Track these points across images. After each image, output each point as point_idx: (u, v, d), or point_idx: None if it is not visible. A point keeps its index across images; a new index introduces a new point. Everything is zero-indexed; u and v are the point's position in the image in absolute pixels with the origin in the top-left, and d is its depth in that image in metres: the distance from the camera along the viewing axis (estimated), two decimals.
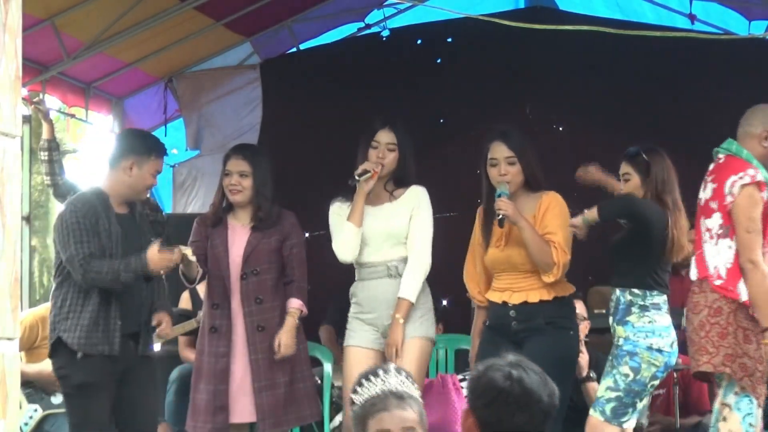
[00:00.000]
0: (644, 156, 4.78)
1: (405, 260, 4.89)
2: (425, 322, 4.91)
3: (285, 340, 5.02)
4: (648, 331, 4.64)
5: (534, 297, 4.72)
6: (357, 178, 4.83)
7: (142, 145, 4.94)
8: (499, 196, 4.67)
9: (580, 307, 5.52)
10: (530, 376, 2.79)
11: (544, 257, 4.65)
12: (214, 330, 5.07)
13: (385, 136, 4.93)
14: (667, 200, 4.73)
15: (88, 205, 4.81)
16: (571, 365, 4.77)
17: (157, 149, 4.99)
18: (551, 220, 4.73)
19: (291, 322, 5.06)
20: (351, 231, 4.87)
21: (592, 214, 4.63)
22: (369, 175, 4.83)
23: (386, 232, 4.90)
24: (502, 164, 4.75)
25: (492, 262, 4.83)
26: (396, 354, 4.76)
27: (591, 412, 4.71)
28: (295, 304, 5.09)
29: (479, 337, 4.93)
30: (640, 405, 4.68)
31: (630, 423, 4.68)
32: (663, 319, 4.69)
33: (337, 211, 5.01)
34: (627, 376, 4.62)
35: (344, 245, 4.90)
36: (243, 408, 5.03)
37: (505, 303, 4.77)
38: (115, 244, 4.78)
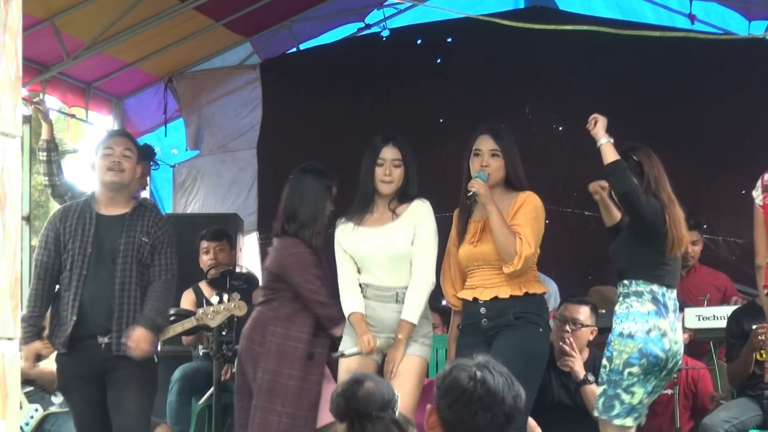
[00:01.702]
0: (634, 158, 4.76)
1: None
2: (425, 346, 4.90)
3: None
4: (622, 316, 4.63)
5: (504, 293, 4.74)
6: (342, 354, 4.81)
7: (96, 144, 5.14)
8: (476, 177, 4.72)
9: (584, 314, 5.48)
10: (495, 377, 2.77)
11: (507, 245, 4.66)
12: (311, 357, 4.92)
13: (390, 153, 4.90)
14: (662, 197, 4.72)
15: (65, 209, 5.00)
16: (538, 360, 4.73)
17: (106, 136, 5.17)
18: (523, 215, 4.76)
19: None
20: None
21: (609, 153, 4.61)
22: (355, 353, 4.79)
23: (387, 254, 4.83)
24: (486, 155, 4.80)
25: (466, 258, 4.85)
26: (392, 372, 4.75)
27: (595, 413, 4.72)
28: None
29: (455, 342, 4.97)
30: (629, 398, 4.58)
31: (626, 421, 4.60)
32: (642, 306, 4.63)
33: (341, 234, 4.97)
34: (605, 367, 4.63)
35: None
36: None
37: (476, 300, 4.79)
38: (81, 245, 4.85)
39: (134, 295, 4.85)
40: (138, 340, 4.77)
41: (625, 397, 4.58)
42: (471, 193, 4.70)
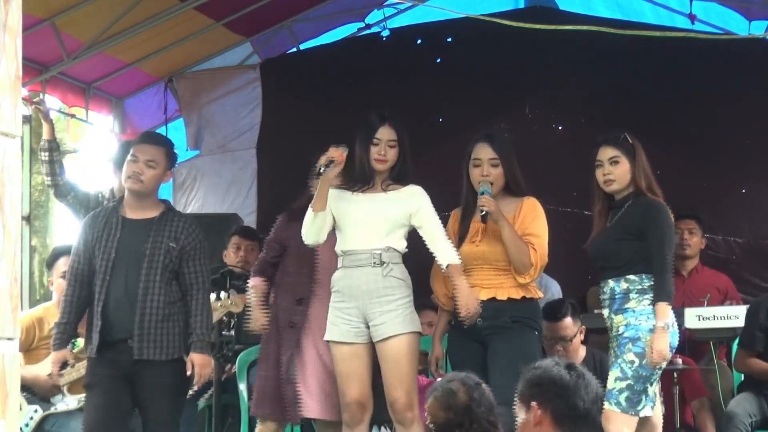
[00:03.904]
0: (629, 140, 4.79)
1: (389, 250, 4.78)
2: (410, 316, 4.82)
3: None
4: (648, 313, 4.60)
5: (503, 295, 4.77)
6: (322, 169, 4.72)
7: (119, 153, 5.13)
8: (482, 194, 4.74)
9: (568, 327, 5.49)
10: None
11: (522, 257, 4.72)
12: (293, 325, 5.00)
13: (386, 133, 4.87)
14: (653, 185, 4.74)
15: (94, 214, 4.98)
16: (532, 362, 4.74)
17: (137, 140, 5.10)
18: (531, 223, 4.81)
19: None
20: (309, 216, 4.78)
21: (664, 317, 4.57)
22: (335, 163, 4.73)
23: (383, 217, 4.78)
24: (486, 165, 4.82)
25: (466, 257, 4.84)
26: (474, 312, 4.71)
27: (605, 405, 4.65)
28: None
29: (440, 341, 4.98)
30: (651, 390, 4.61)
31: (646, 411, 4.60)
32: None
33: (330, 195, 4.94)
34: (633, 362, 4.58)
35: (305, 229, 4.84)
36: (309, 405, 4.96)
37: None
38: (105, 250, 4.83)
39: (157, 299, 4.80)
40: (200, 366, 4.81)
41: (650, 390, 4.61)
42: (484, 212, 4.70)
